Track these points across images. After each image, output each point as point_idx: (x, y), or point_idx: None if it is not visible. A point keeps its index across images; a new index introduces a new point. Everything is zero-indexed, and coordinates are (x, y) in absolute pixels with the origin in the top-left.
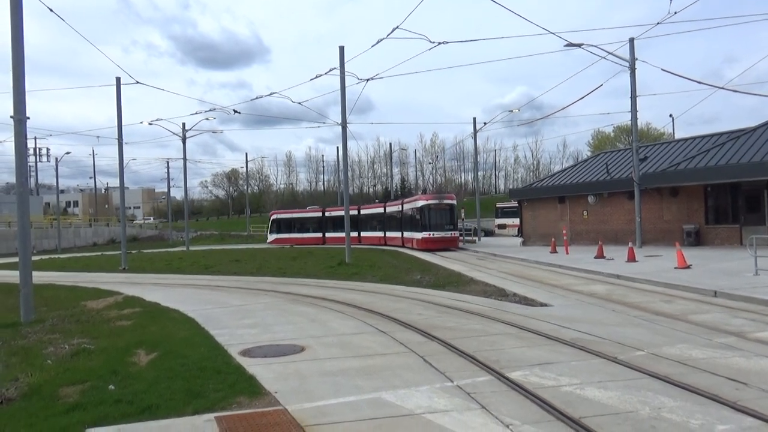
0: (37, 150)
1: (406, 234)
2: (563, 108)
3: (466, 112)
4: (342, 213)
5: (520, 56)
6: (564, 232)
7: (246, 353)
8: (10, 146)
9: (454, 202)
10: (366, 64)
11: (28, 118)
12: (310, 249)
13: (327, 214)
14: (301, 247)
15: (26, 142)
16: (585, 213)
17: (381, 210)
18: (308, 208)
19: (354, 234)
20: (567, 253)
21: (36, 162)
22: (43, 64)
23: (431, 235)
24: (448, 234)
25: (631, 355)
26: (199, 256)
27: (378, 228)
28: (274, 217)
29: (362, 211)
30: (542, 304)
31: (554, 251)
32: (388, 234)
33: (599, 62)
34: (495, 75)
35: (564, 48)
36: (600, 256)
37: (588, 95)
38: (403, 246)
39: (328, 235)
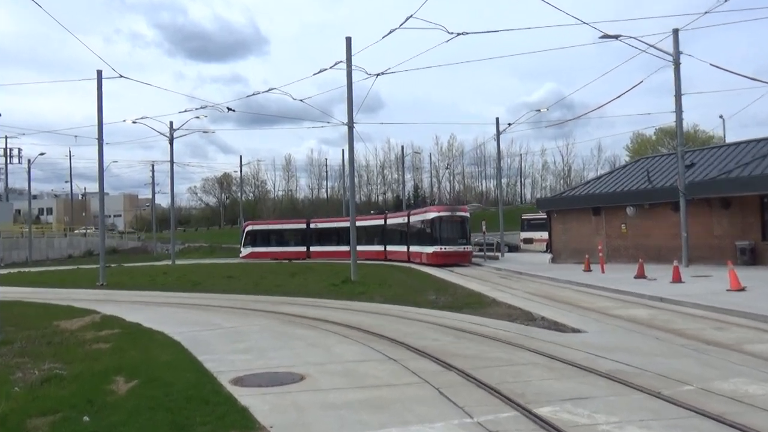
0: (8, 150)
1: (414, 248)
2: (598, 107)
3: (487, 111)
4: (330, 225)
5: (549, 49)
6: (599, 247)
7: (238, 382)
8: None
9: (468, 214)
10: (376, 57)
11: (0, 114)
12: (310, 264)
13: (312, 225)
14: (299, 263)
15: None
16: (623, 226)
17: (380, 222)
18: (292, 219)
19: (346, 248)
20: (603, 271)
21: (6, 163)
22: (14, 54)
23: (443, 249)
24: (460, 248)
25: (677, 389)
26: (187, 271)
27: (377, 241)
28: (249, 228)
29: (357, 223)
30: (574, 330)
31: (588, 269)
32: (390, 248)
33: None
34: (521, 70)
35: (599, 40)
36: (641, 275)
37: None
38: (408, 261)
39: (313, 249)
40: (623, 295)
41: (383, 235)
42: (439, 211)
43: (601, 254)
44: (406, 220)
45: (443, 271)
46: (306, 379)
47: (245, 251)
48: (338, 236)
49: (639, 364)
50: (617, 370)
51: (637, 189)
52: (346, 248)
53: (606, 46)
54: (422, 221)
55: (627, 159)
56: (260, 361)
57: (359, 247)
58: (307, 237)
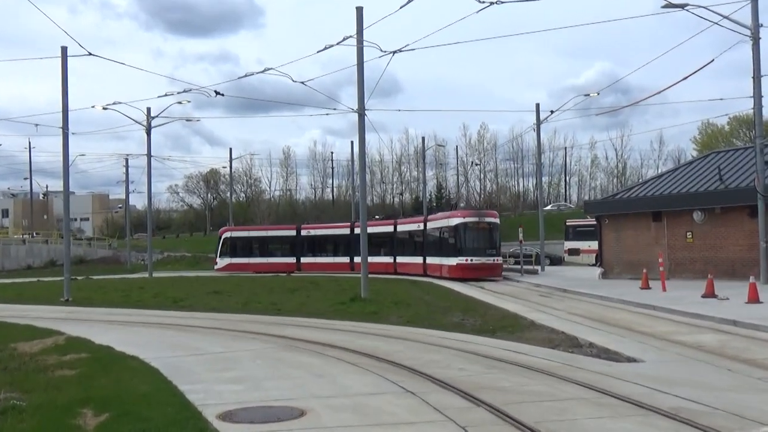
0: None
1: (432, 259)
2: (659, 92)
3: (526, 96)
4: (327, 232)
5: (600, 21)
6: (660, 260)
7: (226, 417)
8: None
9: (498, 220)
10: (392, 31)
11: None
12: (314, 279)
13: (304, 233)
14: (297, 276)
15: None
16: (689, 235)
17: (389, 228)
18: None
19: (345, 260)
20: (664, 289)
21: None
22: None
23: (469, 261)
24: (490, 260)
25: None
26: (167, 286)
27: (385, 252)
28: (227, 235)
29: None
30: (629, 360)
31: (646, 287)
32: (401, 259)
33: (709, 29)
34: (566, 47)
35: (661, 10)
36: (710, 294)
37: (693, 75)
38: (424, 274)
39: (305, 260)
40: (688, 317)
41: (392, 244)
42: (464, 216)
43: (661, 268)
44: (421, 227)
45: (470, 287)
46: (307, 414)
47: (222, 262)
48: (335, 245)
49: (708, 401)
50: (682, 408)
51: (706, 190)
52: (343, 260)
53: (669, 18)
54: (443, 228)
55: (694, 153)
56: (254, 393)
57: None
58: (298, 246)
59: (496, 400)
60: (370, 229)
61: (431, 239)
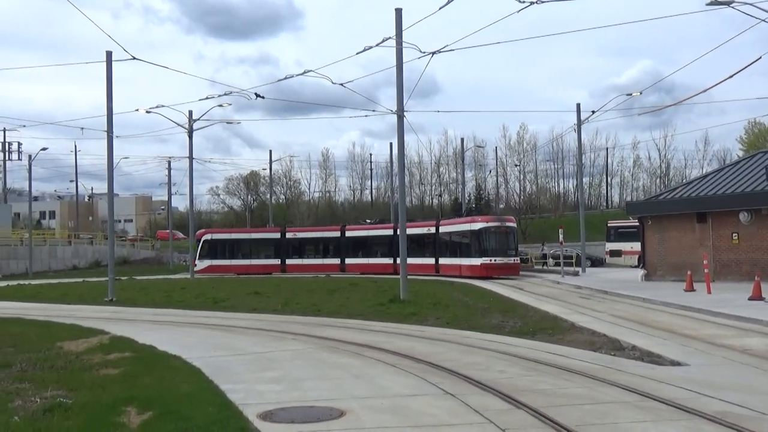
0: (7, 145)
1: (451, 260)
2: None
3: (566, 96)
4: (313, 235)
5: (643, 20)
6: (705, 262)
7: (267, 417)
8: None
9: (515, 225)
10: (431, 32)
11: None
12: (354, 280)
13: (290, 235)
14: (307, 278)
15: None
16: (735, 236)
17: (428, 230)
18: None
19: (335, 261)
20: (709, 291)
21: (4, 160)
22: (9, 35)
23: (493, 261)
24: (510, 260)
25: None
26: (208, 287)
27: (383, 253)
28: (206, 237)
29: (369, 233)
30: (673, 363)
31: (691, 289)
32: (412, 260)
33: (757, 26)
34: (608, 45)
35: (706, 7)
36: (756, 296)
37: (740, 72)
38: (437, 272)
39: (290, 261)
40: (734, 320)
41: (393, 246)
42: (487, 221)
43: (706, 270)
44: (433, 231)
45: (510, 289)
46: (347, 415)
47: (202, 264)
48: (323, 247)
49: (755, 406)
50: (728, 413)
51: (753, 190)
52: (334, 261)
53: (715, 15)
54: (465, 232)
55: (740, 153)
56: (293, 393)
57: (373, 260)
58: (283, 248)
59: (537, 402)
60: (372, 232)
61: (453, 242)
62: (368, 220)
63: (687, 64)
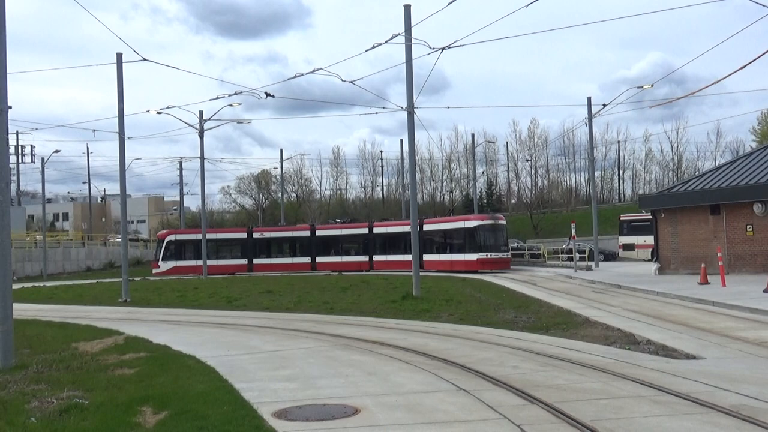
0: (20, 148)
1: (440, 257)
2: (716, 81)
3: (577, 90)
4: (279, 234)
5: (653, 11)
6: (719, 254)
7: (281, 415)
8: None
9: (505, 222)
10: (440, 28)
11: (10, 107)
12: (365, 277)
13: (257, 235)
14: (286, 276)
15: (8, 139)
16: (749, 228)
17: (403, 229)
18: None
19: (306, 260)
20: (723, 284)
21: (18, 163)
22: (20, 38)
23: (488, 257)
24: (503, 255)
25: None
26: (221, 286)
27: (355, 252)
28: (170, 238)
29: (343, 232)
30: (689, 357)
31: (705, 282)
32: (378, 258)
33: None
34: (618, 38)
35: None
36: None
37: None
38: (421, 268)
39: (258, 261)
40: (749, 313)
41: (369, 244)
42: (482, 220)
43: (720, 263)
44: (435, 227)
45: (523, 284)
46: (361, 412)
47: (166, 265)
48: (289, 246)
49: None
50: (744, 406)
51: (767, 182)
52: (303, 260)
53: (725, 5)
54: (460, 229)
55: (753, 145)
56: (307, 391)
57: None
58: (249, 248)
59: (551, 397)
60: (346, 231)
61: (443, 239)
62: (338, 220)
63: (698, 55)
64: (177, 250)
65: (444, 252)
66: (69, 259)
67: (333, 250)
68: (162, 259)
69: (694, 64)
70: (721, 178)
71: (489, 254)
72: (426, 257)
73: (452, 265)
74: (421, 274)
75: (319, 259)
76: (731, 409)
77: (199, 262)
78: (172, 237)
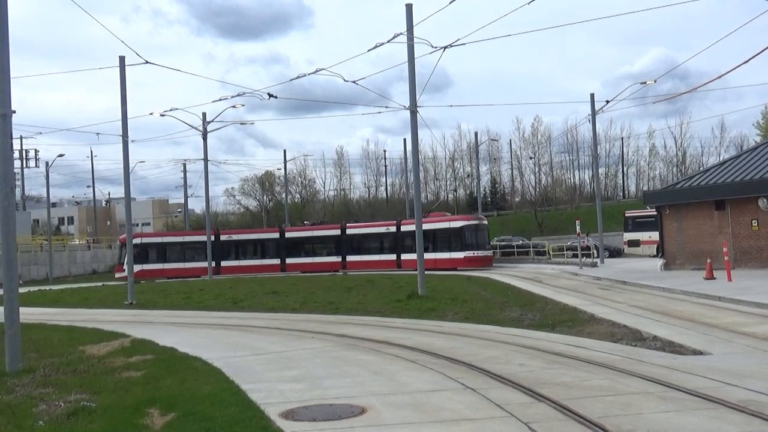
0: (24, 152)
1: (429, 255)
2: (719, 76)
3: (580, 86)
4: (250, 237)
5: (655, 7)
6: (724, 250)
7: (288, 415)
8: None
9: (487, 222)
10: (442, 26)
11: (14, 111)
12: (370, 277)
13: (224, 237)
14: (292, 277)
15: (12, 143)
16: (755, 223)
17: (374, 230)
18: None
19: (275, 261)
20: (729, 279)
21: (22, 167)
22: (22, 42)
23: (475, 254)
24: (487, 253)
25: None
26: (226, 287)
27: (366, 252)
28: (134, 241)
29: (313, 233)
30: (695, 352)
31: (711, 277)
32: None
33: None
34: (620, 34)
35: None
36: None
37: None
38: (398, 267)
39: (225, 263)
40: (756, 308)
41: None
42: (468, 220)
43: (726, 258)
44: (374, 231)
45: (528, 282)
46: (368, 412)
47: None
48: (260, 249)
49: None
50: (752, 401)
51: None
52: (273, 261)
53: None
54: (447, 229)
55: (757, 139)
56: (314, 392)
57: (354, 258)
58: (217, 251)
59: (558, 395)
60: (317, 233)
61: (436, 238)
62: (306, 222)
63: (701, 50)
64: (142, 254)
65: (427, 251)
66: (75, 262)
67: (303, 251)
68: (127, 263)
69: (698, 59)
70: (725, 173)
71: (475, 252)
72: (407, 256)
73: (436, 263)
74: (403, 272)
75: (288, 260)
76: (739, 404)
77: (166, 266)
78: (137, 240)
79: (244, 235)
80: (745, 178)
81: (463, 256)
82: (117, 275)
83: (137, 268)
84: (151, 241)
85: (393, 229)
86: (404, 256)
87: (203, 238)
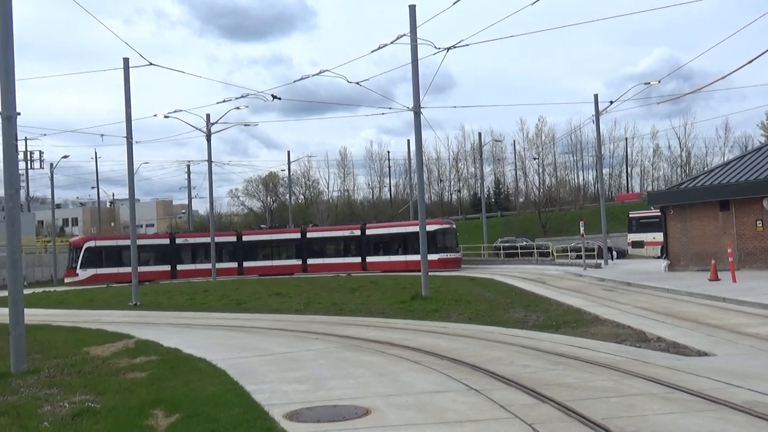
0: (28, 154)
1: (398, 258)
2: (723, 77)
3: (583, 87)
4: (206, 240)
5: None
6: (729, 250)
7: (293, 416)
8: None
9: (455, 226)
10: (445, 27)
11: (19, 113)
12: (374, 278)
13: (180, 240)
14: (317, 278)
15: (17, 145)
16: (759, 224)
17: (333, 234)
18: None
19: (233, 265)
20: (734, 280)
21: (27, 169)
22: (28, 44)
23: (447, 257)
24: (457, 255)
25: None
26: (230, 288)
27: (325, 255)
28: (89, 244)
29: (272, 237)
30: (700, 353)
31: (715, 278)
32: (370, 259)
33: None
34: (623, 34)
35: None
36: None
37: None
38: (363, 269)
39: (181, 267)
40: (761, 309)
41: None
42: (442, 224)
43: (731, 259)
44: (387, 231)
45: (532, 283)
46: (372, 413)
47: (85, 273)
48: (219, 252)
49: None
50: (757, 402)
51: None
52: (230, 265)
53: None
54: (417, 233)
55: (762, 139)
56: (318, 393)
57: (314, 261)
58: (173, 254)
59: (562, 396)
60: (276, 236)
61: (406, 241)
62: (263, 225)
63: (705, 51)
64: (97, 258)
65: (396, 253)
66: None
67: (262, 254)
68: (80, 267)
69: (701, 59)
70: (730, 173)
71: (447, 254)
72: (376, 258)
73: (407, 265)
74: (407, 274)
75: (246, 264)
76: (744, 405)
77: (123, 270)
78: (91, 243)
79: (199, 238)
80: (750, 178)
81: (437, 258)
82: (68, 280)
83: (91, 272)
84: (106, 244)
85: (358, 231)
86: (376, 258)
87: (160, 241)
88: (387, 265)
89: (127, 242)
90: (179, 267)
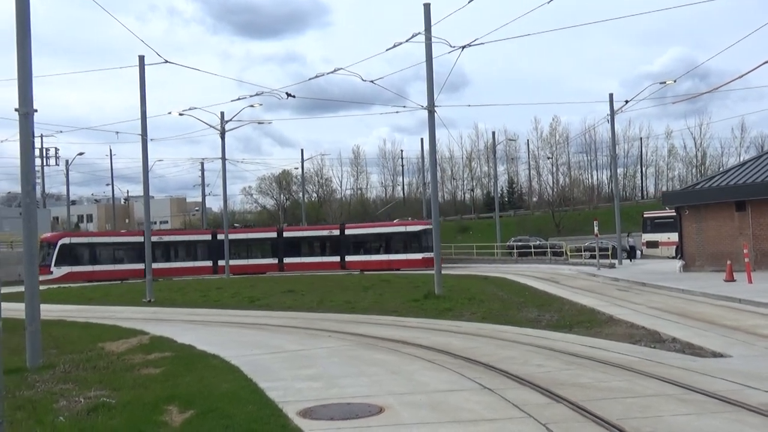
0: (44, 151)
1: (382, 257)
2: (740, 76)
3: (598, 86)
4: (181, 238)
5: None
6: (745, 251)
7: (306, 414)
8: (9, 147)
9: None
10: (460, 26)
11: (36, 110)
12: (386, 276)
13: (155, 239)
14: (331, 276)
15: (33, 142)
16: None
17: (309, 233)
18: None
19: (207, 264)
20: (750, 281)
21: (43, 166)
22: (42, 40)
23: (431, 256)
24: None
25: None
26: (243, 285)
27: (329, 252)
28: (64, 241)
29: (249, 236)
30: (715, 354)
31: (731, 279)
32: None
33: None
34: (639, 33)
35: None
36: None
37: None
38: (342, 268)
39: (157, 265)
40: None
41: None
42: (425, 225)
43: (747, 260)
44: (365, 231)
45: (546, 282)
46: (385, 411)
47: (59, 272)
48: (193, 250)
49: None
50: None
51: None
52: (205, 264)
53: None
54: (406, 233)
55: None
56: (332, 391)
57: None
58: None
59: (577, 396)
60: (251, 235)
61: (392, 241)
62: (236, 225)
63: (722, 50)
64: (72, 255)
65: (377, 253)
66: None
67: (238, 253)
68: (54, 265)
69: (718, 59)
70: (746, 173)
71: (431, 254)
72: (354, 258)
73: (390, 264)
74: (420, 272)
75: (221, 263)
76: (760, 407)
77: (98, 267)
78: (66, 240)
79: (176, 236)
80: (766, 179)
81: (421, 257)
82: (43, 278)
83: (66, 270)
84: (81, 241)
85: (337, 232)
86: (355, 258)
87: (135, 238)
88: (365, 264)
89: (102, 239)
90: (155, 265)
